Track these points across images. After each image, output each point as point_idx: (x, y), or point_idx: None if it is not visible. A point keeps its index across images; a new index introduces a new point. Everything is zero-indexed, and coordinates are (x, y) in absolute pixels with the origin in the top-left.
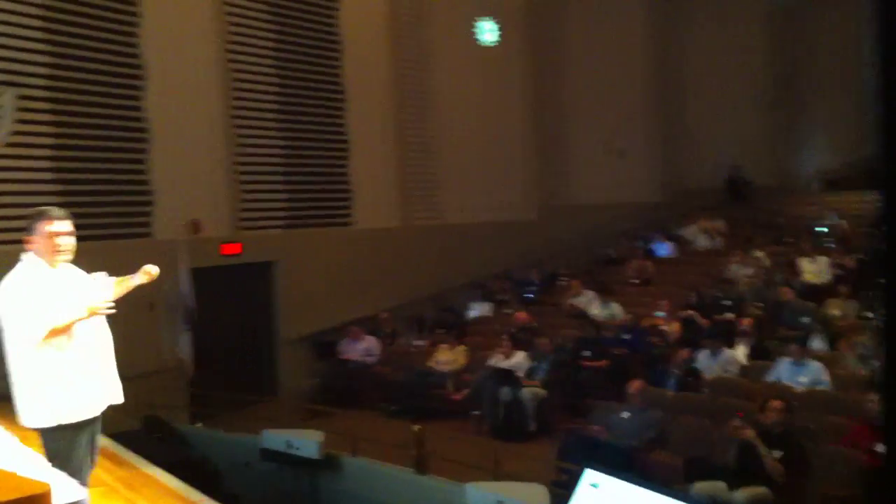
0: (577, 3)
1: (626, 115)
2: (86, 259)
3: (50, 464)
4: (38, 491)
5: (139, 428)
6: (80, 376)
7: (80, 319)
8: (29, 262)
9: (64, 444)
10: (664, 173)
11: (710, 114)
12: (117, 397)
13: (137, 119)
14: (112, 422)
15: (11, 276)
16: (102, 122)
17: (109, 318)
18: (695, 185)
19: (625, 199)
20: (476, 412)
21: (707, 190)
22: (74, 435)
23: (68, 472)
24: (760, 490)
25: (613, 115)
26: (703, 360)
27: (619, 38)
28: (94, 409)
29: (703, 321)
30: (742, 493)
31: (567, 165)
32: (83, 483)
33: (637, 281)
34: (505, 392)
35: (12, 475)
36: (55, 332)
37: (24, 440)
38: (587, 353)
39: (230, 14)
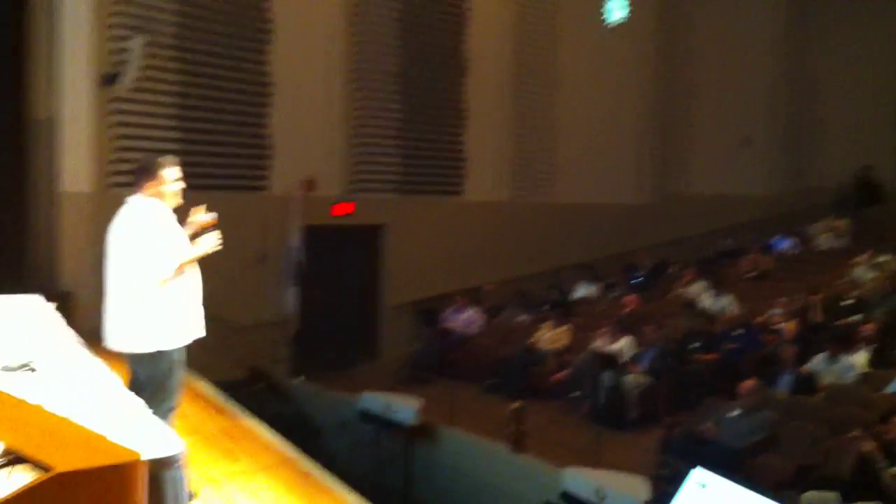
0: None
1: (753, 106)
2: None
3: (148, 389)
4: (128, 459)
5: (242, 378)
6: (189, 306)
7: (200, 256)
8: (152, 204)
9: (167, 367)
10: (788, 168)
11: (841, 111)
12: (202, 330)
13: (262, 73)
14: (217, 370)
15: (139, 215)
16: (227, 73)
17: (219, 267)
18: (820, 183)
19: (746, 191)
20: (576, 394)
21: (833, 188)
22: (178, 356)
23: (166, 395)
24: None
25: (740, 104)
26: (820, 363)
27: (751, 26)
28: (194, 334)
29: (821, 321)
30: None
31: (688, 153)
32: (174, 406)
33: (753, 275)
34: (607, 377)
35: (102, 439)
36: (182, 267)
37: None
38: (696, 346)
39: None
